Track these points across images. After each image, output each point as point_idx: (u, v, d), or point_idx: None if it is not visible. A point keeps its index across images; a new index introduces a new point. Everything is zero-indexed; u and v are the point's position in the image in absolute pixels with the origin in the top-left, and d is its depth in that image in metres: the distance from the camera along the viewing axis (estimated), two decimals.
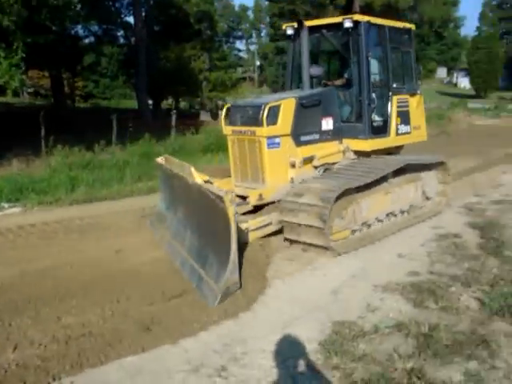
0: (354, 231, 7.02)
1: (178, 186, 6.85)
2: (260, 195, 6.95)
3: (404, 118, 8.49)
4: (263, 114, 6.82)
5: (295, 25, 8.22)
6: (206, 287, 5.26)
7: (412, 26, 8.98)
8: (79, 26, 27.94)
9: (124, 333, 4.50)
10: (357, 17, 7.79)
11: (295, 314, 4.85)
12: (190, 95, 32.22)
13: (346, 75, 8.48)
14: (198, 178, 6.68)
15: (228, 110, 7.66)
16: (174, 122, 16.96)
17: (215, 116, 23.31)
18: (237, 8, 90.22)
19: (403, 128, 8.48)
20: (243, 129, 7.17)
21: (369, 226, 7.32)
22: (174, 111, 18.32)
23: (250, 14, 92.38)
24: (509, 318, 4.65)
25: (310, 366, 3.96)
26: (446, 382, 3.70)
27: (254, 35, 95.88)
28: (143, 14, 28.83)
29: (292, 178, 7.25)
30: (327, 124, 7.69)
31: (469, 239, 7.08)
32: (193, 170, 6.82)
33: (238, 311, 4.90)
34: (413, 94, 8.79)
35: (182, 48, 28.61)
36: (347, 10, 33.22)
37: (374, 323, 4.57)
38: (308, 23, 7.96)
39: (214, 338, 4.42)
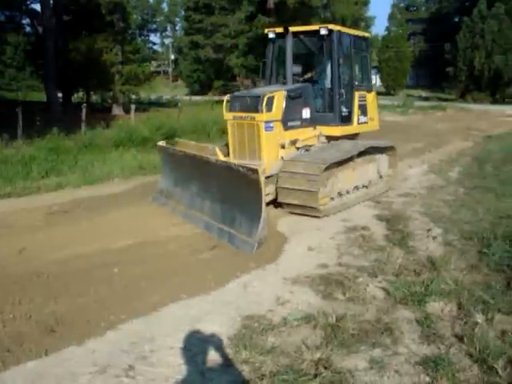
0: (332, 198, 8.44)
1: (194, 164, 7.92)
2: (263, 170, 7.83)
3: (363, 110, 10.22)
4: (262, 102, 8.15)
5: (276, 30, 9.88)
6: (239, 241, 6.54)
7: (368, 35, 11.03)
8: None
9: (26, 336, 4.29)
10: (331, 26, 9.37)
11: (205, 309, 4.82)
12: (102, 88, 31.24)
13: (319, 73, 10.15)
14: (222, 156, 8.09)
15: (229, 99, 8.85)
16: (84, 116, 16.39)
17: (128, 110, 22.73)
18: (151, 0, 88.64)
19: (362, 118, 10.22)
20: (243, 115, 8.45)
21: (341, 195, 8.80)
22: (85, 105, 17.71)
23: (165, 6, 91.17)
24: (412, 305, 4.86)
25: (220, 361, 3.96)
26: (351, 370, 3.81)
27: (168, 28, 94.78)
28: (51, 1, 27.57)
29: (282, 157, 8.56)
30: (306, 113, 9.14)
31: (376, 231, 7.34)
32: (217, 149, 8.15)
33: (147, 309, 4.81)
34: (369, 91, 10.54)
35: (93, 39, 27.65)
36: (262, 5, 33.40)
37: (283, 316, 4.62)
38: (291, 29, 9.32)
39: (122, 337, 4.32)
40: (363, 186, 9.49)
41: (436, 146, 16.98)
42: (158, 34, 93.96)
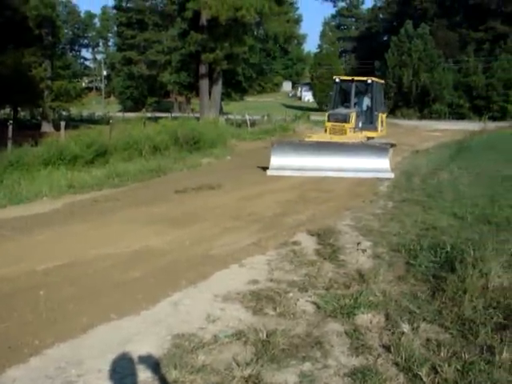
0: None
1: (328, 146, 14.63)
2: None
3: (381, 123, 17.99)
4: (349, 117, 16.28)
5: (341, 77, 19.06)
6: (382, 174, 13.57)
7: (383, 81, 20.66)
8: None
9: None
10: (373, 79, 17.88)
11: (135, 329, 4.72)
12: (31, 104, 30.36)
13: (362, 102, 17.84)
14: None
15: (329, 115, 16.93)
16: (10, 133, 15.83)
17: (58, 127, 22.13)
18: (83, 15, 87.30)
19: (381, 128, 17.88)
20: (337, 124, 16.31)
21: None
22: (11, 121, 17.12)
23: (97, 21, 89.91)
24: (341, 318, 4.92)
25: (149, 382, 3.87)
26: None
27: (101, 44, 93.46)
28: None
29: None
30: (360, 124, 16.91)
31: (306, 246, 7.39)
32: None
33: (74, 332, 4.65)
34: (383, 113, 18.65)
35: (20, 53, 26.84)
36: (194, 21, 33.43)
37: (213, 333, 4.58)
38: (355, 78, 17.88)
39: (47, 363, 4.14)
40: None
41: None
42: (90, 50, 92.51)
